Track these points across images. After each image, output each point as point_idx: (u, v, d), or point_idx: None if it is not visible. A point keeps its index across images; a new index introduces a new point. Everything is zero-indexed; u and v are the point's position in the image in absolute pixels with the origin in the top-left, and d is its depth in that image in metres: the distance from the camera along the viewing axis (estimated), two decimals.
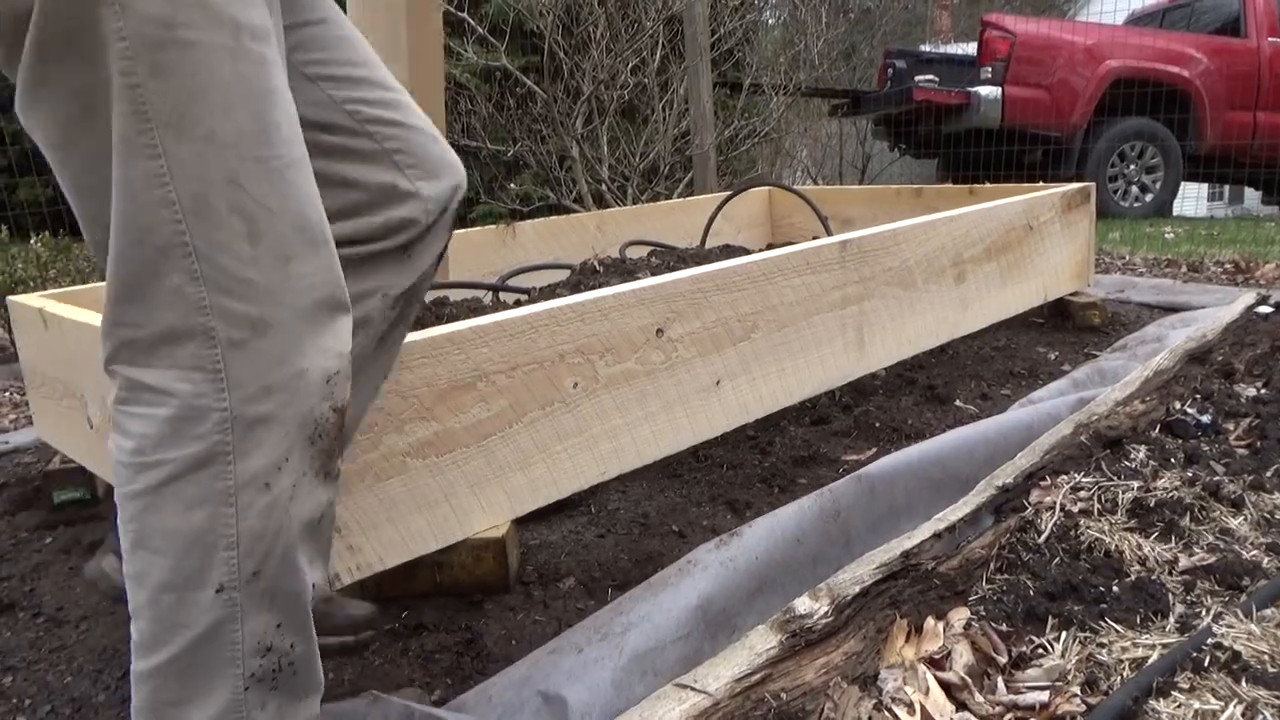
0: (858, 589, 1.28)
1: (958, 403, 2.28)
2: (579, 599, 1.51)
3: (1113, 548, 1.28)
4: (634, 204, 4.86)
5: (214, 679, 0.84)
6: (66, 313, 1.86)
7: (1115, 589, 1.19)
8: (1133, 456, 1.57)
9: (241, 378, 0.80)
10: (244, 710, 0.85)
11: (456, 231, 2.88)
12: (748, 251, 2.76)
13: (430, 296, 2.35)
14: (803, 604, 1.24)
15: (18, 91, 0.80)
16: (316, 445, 0.86)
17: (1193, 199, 7.52)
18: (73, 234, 4.07)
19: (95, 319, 1.76)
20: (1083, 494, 1.42)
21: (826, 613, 1.22)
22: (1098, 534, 1.30)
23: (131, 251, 0.78)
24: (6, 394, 3.14)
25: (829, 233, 3.01)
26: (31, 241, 3.80)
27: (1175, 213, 6.61)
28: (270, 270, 0.80)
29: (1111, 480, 1.46)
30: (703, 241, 3.20)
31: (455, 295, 2.43)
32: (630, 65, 4.93)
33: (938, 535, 1.42)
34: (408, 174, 1.09)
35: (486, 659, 1.35)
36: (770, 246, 3.20)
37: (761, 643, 1.18)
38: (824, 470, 1.94)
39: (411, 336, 1.45)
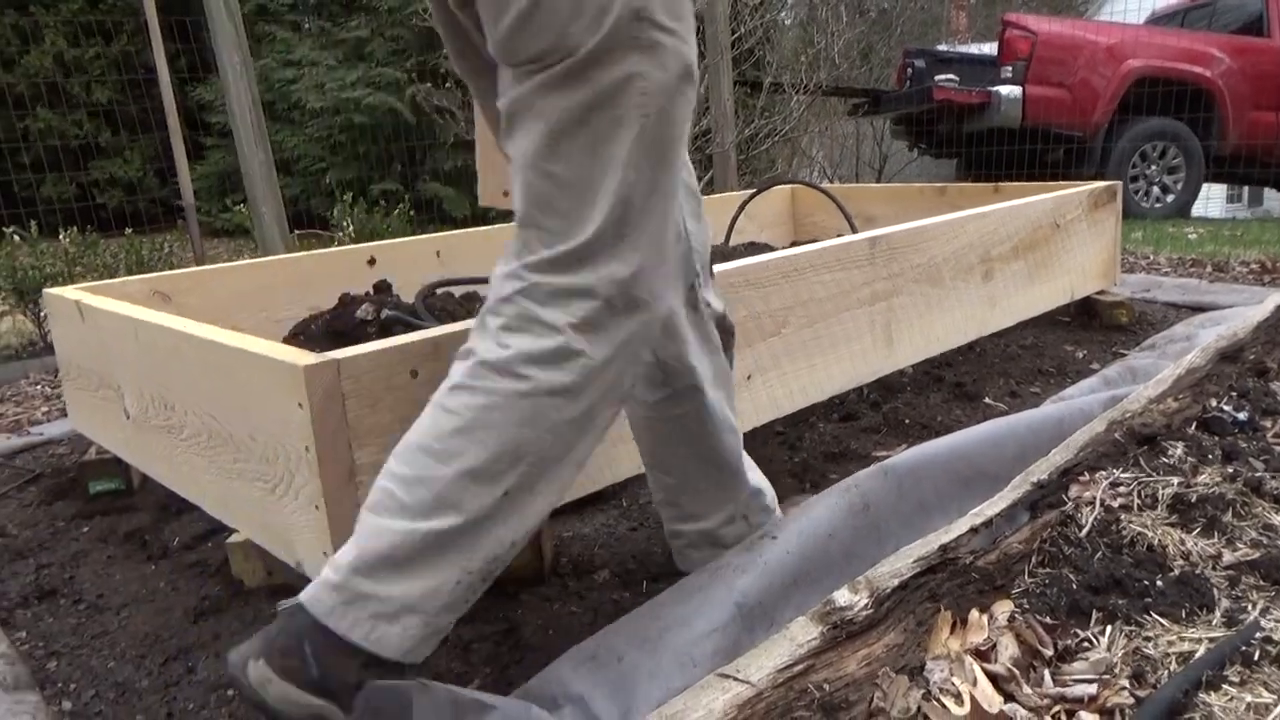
0: (896, 582, 1.28)
1: (987, 400, 2.28)
2: (614, 591, 1.52)
3: (1155, 542, 1.27)
4: None
5: (442, 565, 0.98)
6: (103, 305, 1.89)
7: (1159, 583, 1.18)
8: (1170, 453, 1.56)
9: (605, 339, 1.02)
10: (433, 603, 0.98)
11: (483, 229, 2.89)
12: (773, 249, 2.76)
13: (459, 292, 2.36)
14: (842, 596, 1.24)
15: (528, 86, 1.00)
16: (615, 409, 1.08)
17: (1212, 200, 7.46)
18: (101, 230, 4.11)
19: (132, 311, 1.78)
20: (1122, 489, 1.42)
21: (866, 605, 1.22)
22: (1139, 529, 1.30)
23: (599, 225, 1.00)
24: (38, 387, 3.17)
25: (854, 230, 3.00)
26: (60, 237, 3.84)
27: (1194, 214, 6.56)
28: (653, 266, 1.04)
29: (1151, 476, 1.46)
30: (726, 239, 3.20)
31: (485, 291, 2.44)
32: None
33: (974, 530, 1.42)
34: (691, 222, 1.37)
35: (524, 649, 1.36)
36: (794, 244, 3.20)
37: (802, 634, 1.18)
38: (855, 466, 1.93)
39: (449, 328, 1.46)
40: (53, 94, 8.52)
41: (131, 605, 1.58)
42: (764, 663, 1.12)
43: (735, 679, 1.11)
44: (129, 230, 4.16)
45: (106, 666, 1.40)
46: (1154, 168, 6.24)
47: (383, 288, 2.35)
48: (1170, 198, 6.29)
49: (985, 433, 1.76)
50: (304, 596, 0.98)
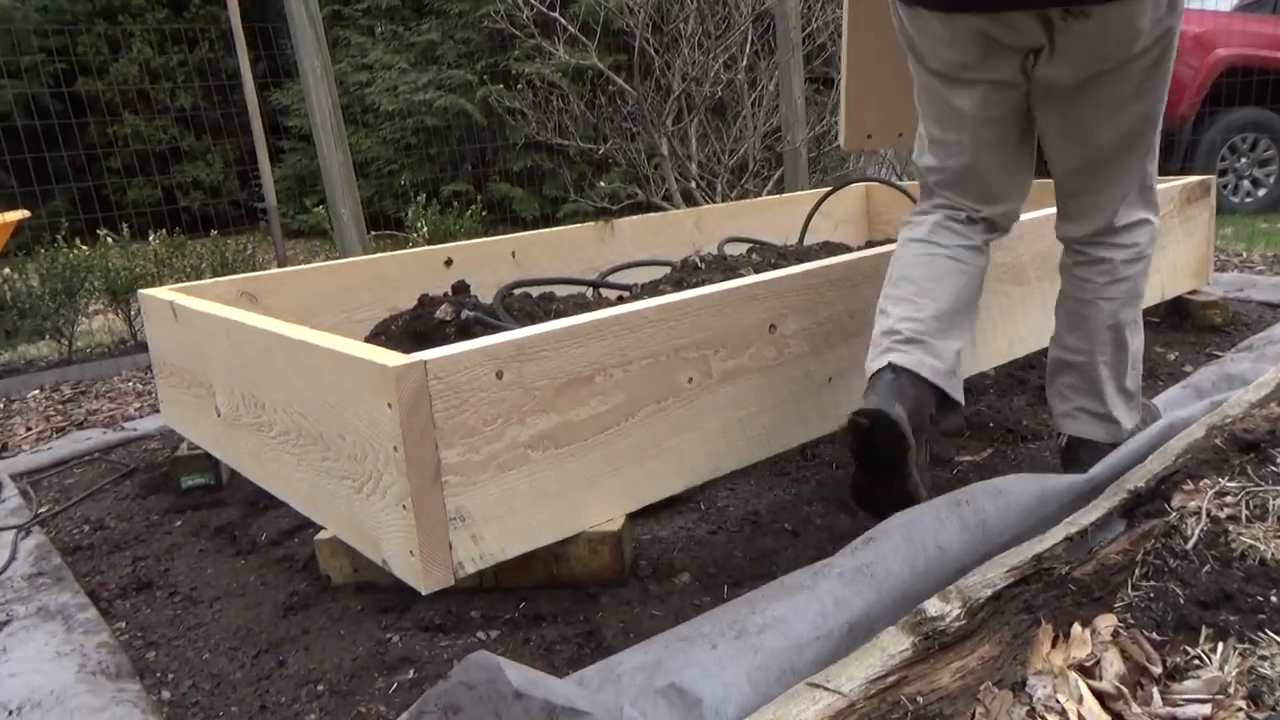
0: (989, 592, 1.24)
1: None
2: (695, 595, 1.51)
3: (1268, 556, 1.21)
4: (723, 201, 4.84)
5: (1128, 374, 1.69)
6: (196, 305, 1.94)
7: (1274, 599, 1.13)
8: (1279, 461, 1.49)
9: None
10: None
11: (555, 229, 2.91)
12: (848, 249, 2.72)
13: (536, 292, 2.37)
14: (933, 606, 1.21)
15: (1150, 57, 1.50)
16: None
17: None
18: (187, 232, 4.25)
19: (224, 311, 1.83)
20: (1229, 499, 1.36)
21: (958, 615, 1.19)
22: (1250, 541, 1.24)
23: (1153, 140, 1.60)
24: (129, 383, 3.29)
25: None
26: (150, 240, 3.98)
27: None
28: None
29: (1259, 485, 1.39)
30: (801, 238, 3.16)
31: (561, 291, 2.45)
32: (721, 62, 4.90)
33: (1069, 539, 1.37)
34: None
35: (607, 651, 1.36)
36: (870, 243, 3.14)
37: (894, 644, 1.15)
38: (938, 471, 1.89)
39: (532, 330, 1.47)
40: (140, 100, 8.84)
41: (223, 599, 1.62)
42: (854, 673, 1.10)
43: (825, 688, 1.09)
44: (214, 232, 4.29)
45: (202, 658, 1.44)
46: (1244, 161, 5.99)
47: (461, 288, 2.38)
48: (1262, 192, 6.03)
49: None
50: None
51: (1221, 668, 1.03)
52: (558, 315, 2.11)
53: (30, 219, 5.63)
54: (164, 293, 2.13)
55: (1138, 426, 1.72)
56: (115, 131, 8.61)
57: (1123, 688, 1.00)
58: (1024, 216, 2.28)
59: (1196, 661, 1.05)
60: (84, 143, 7.31)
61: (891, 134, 2.48)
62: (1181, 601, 1.15)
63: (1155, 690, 1.01)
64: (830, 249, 2.83)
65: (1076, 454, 1.71)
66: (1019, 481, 1.48)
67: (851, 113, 2.40)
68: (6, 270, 3.87)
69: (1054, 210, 2.38)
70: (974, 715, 0.99)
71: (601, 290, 2.52)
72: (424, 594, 1.34)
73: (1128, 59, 1.47)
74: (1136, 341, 1.70)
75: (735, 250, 2.89)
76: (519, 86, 5.71)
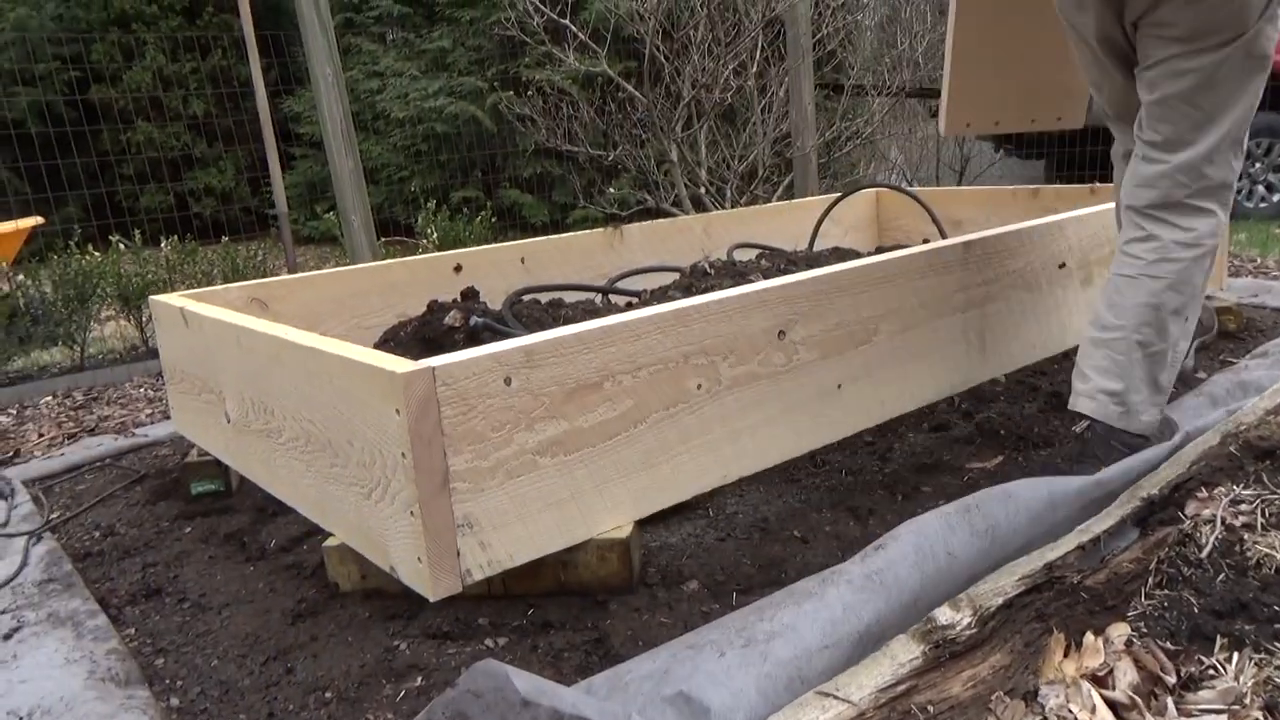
0: (1000, 600, 1.23)
1: None
2: (704, 602, 1.50)
3: None
4: (732, 207, 4.83)
5: (1163, 369, 1.68)
6: (206, 312, 1.95)
7: None
8: None
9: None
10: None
11: (564, 235, 2.91)
12: (858, 254, 2.71)
13: (545, 298, 2.37)
14: (944, 614, 1.20)
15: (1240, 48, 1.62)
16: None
17: None
18: (199, 238, 4.27)
19: (234, 318, 1.83)
20: (1244, 507, 1.34)
21: (969, 624, 1.18)
22: (1266, 550, 1.22)
23: (1227, 138, 1.65)
24: (141, 390, 3.30)
25: (943, 235, 2.93)
26: (161, 246, 4.00)
27: None
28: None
29: (1275, 493, 1.38)
30: (811, 244, 3.15)
31: (569, 297, 2.45)
32: (731, 68, 4.90)
33: (1082, 547, 1.36)
34: None
35: (615, 659, 1.35)
36: (879, 249, 3.13)
37: (904, 653, 1.14)
38: (948, 478, 1.88)
39: (541, 336, 1.47)
40: (153, 107, 8.91)
41: (232, 605, 1.62)
42: (864, 681, 1.09)
43: (835, 697, 1.08)
44: (225, 238, 4.32)
45: (210, 665, 1.44)
46: (1259, 166, 5.95)
47: (470, 294, 2.38)
48: (1276, 197, 5.99)
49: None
50: None
51: (1237, 678, 1.02)
52: (566, 321, 2.11)
53: (43, 225, 5.68)
54: (175, 299, 2.14)
55: (1154, 431, 1.71)
56: (128, 138, 8.67)
57: (1136, 697, 0.99)
58: (1032, 223, 2.29)
59: (1211, 671, 1.04)
60: (97, 149, 7.36)
61: (989, 122, 2.52)
62: (1196, 610, 1.14)
63: (1169, 700, 1.00)
64: (840, 255, 2.82)
65: (1091, 448, 1.69)
66: (1028, 486, 1.46)
67: (952, 101, 2.43)
68: (20, 276, 3.89)
69: (1062, 216, 2.38)
70: None
71: (610, 296, 2.52)
72: (432, 601, 1.33)
73: (1231, 38, 1.57)
74: (1183, 342, 1.69)
75: (744, 256, 2.89)
76: (529, 93, 5.72)
